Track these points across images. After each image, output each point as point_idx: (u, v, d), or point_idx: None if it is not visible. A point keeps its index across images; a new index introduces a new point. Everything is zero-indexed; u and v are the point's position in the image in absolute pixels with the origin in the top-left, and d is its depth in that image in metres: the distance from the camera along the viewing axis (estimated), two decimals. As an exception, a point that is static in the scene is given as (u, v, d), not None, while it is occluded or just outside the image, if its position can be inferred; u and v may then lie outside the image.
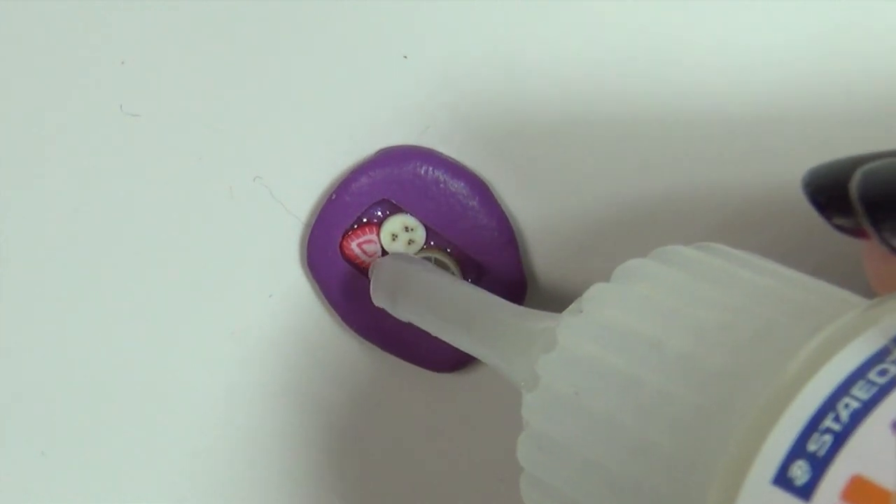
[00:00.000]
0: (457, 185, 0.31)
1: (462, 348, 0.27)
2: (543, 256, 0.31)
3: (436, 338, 0.31)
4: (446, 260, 0.31)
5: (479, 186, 0.31)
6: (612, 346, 0.22)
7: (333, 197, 0.31)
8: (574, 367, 0.22)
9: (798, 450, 0.18)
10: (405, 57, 0.31)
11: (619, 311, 0.22)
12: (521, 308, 0.27)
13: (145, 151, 0.32)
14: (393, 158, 0.31)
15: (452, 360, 0.31)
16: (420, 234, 0.31)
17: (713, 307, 0.21)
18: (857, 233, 0.21)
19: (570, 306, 0.24)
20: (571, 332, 0.23)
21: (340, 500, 0.32)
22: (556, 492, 0.22)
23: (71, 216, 0.32)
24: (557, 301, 0.31)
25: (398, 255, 0.30)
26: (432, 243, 0.31)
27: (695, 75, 0.30)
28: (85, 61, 0.31)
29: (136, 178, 0.32)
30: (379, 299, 0.29)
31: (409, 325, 0.31)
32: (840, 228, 0.21)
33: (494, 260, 0.31)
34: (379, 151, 0.31)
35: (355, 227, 0.31)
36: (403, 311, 0.29)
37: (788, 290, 0.21)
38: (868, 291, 0.21)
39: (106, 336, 0.32)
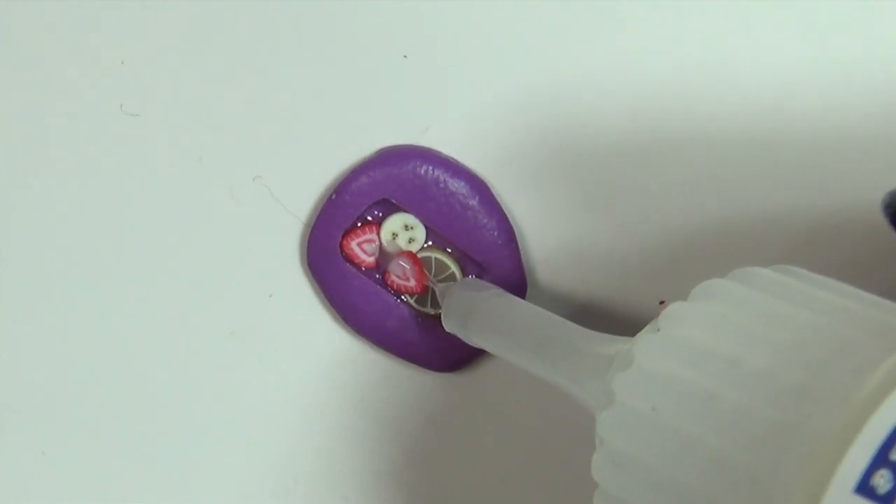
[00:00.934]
0: (457, 185, 0.31)
1: (533, 372, 0.28)
2: (543, 256, 0.31)
3: (436, 338, 0.31)
4: (446, 259, 0.31)
5: (479, 186, 0.31)
6: (689, 363, 0.22)
7: (333, 197, 0.31)
8: (651, 383, 0.22)
9: (880, 460, 0.19)
10: (405, 57, 0.31)
11: (697, 329, 0.22)
12: (594, 332, 0.27)
13: (145, 151, 0.32)
14: (393, 158, 0.31)
15: (452, 360, 0.31)
16: (420, 234, 0.31)
17: (791, 326, 0.21)
18: None
19: (647, 326, 0.24)
20: (648, 349, 0.23)
21: (340, 500, 0.32)
22: None
23: (71, 216, 0.32)
24: (557, 301, 0.31)
25: (469, 282, 0.31)
26: (431, 243, 0.31)
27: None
28: (85, 61, 0.31)
29: (137, 178, 0.32)
30: (451, 325, 0.29)
31: (409, 325, 0.31)
32: None
33: (494, 259, 0.31)
34: (379, 151, 0.31)
35: (356, 226, 0.31)
36: (475, 337, 0.29)
37: (866, 310, 0.22)
38: None
39: (106, 336, 0.32)
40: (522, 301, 0.29)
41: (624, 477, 0.22)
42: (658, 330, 0.23)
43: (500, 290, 0.30)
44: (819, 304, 0.22)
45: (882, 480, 0.19)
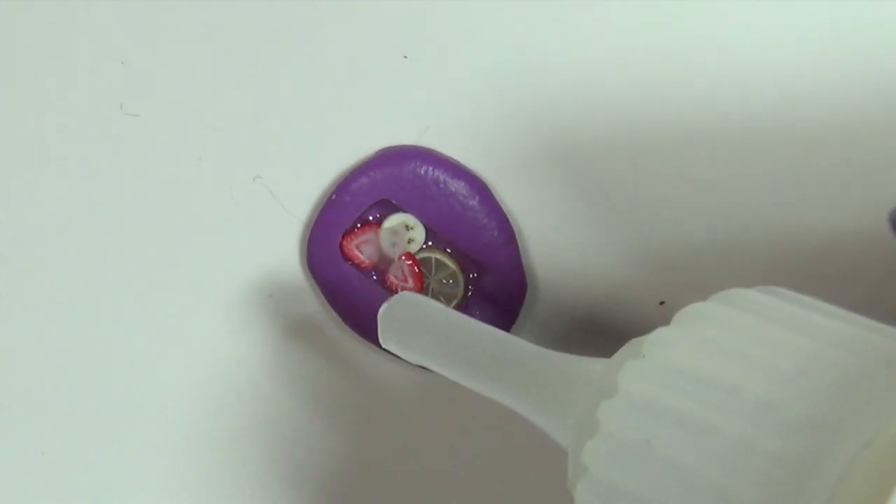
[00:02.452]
0: (457, 185, 0.31)
1: (486, 394, 0.26)
2: (543, 256, 0.31)
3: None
4: (446, 260, 0.31)
5: (479, 186, 0.31)
6: (684, 392, 0.21)
7: (333, 197, 0.31)
8: (643, 413, 0.21)
9: None
10: (405, 57, 0.31)
11: (687, 355, 0.21)
12: (553, 352, 0.25)
13: (145, 151, 0.32)
14: (393, 158, 0.31)
15: (452, 360, 0.31)
16: (420, 234, 0.31)
17: (788, 351, 0.20)
18: None
19: (623, 349, 0.23)
20: (635, 376, 0.21)
21: (341, 499, 0.32)
22: None
23: (70, 216, 0.32)
24: (558, 301, 0.31)
25: (409, 294, 0.28)
26: (431, 243, 0.31)
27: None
28: (85, 61, 0.31)
29: (136, 178, 0.32)
30: (388, 341, 0.27)
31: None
32: None
33: (494, 260, 0.31)
34: (379, 151, 0.31)
35: (355, 226, 0.31)
36: (417, 355, 0.27)
37: (863, 334, 0.20)
38: None
39: (105, 336, 0.32)
40: (466, 316, 0.27)
41: None
42: (644, 356, 0.22)
43: (441, 305, 0.28)
44: (812, 327, 0.21)
45: None
